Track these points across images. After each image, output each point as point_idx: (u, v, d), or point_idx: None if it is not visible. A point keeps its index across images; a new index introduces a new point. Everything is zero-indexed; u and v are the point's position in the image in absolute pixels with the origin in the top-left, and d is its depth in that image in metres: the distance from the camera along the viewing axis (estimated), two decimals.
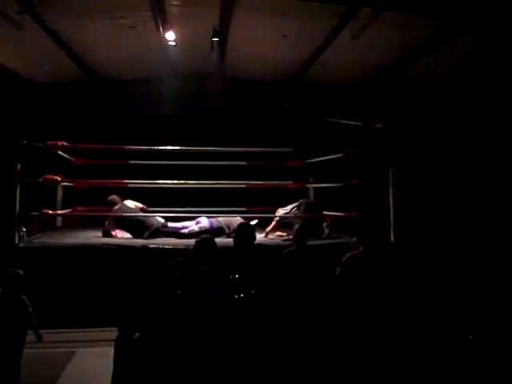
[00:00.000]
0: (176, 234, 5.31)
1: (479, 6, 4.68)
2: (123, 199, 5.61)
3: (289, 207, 5.83)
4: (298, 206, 5.74)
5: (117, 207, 5.48)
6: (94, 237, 5.31)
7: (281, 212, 5.82)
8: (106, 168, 6.00)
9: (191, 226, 5.40)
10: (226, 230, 5.37)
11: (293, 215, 5.69)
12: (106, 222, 5.50)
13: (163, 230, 5.35)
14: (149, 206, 5.81)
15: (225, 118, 7.58)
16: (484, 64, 6.09)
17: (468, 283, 3.68)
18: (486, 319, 2.90)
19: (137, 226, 5.30)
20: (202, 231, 5.17)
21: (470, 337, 2.76)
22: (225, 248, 3.92)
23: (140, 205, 5.64)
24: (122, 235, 5.42)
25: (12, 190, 4.59)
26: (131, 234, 5.34)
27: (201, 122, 7.64)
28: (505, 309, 3.06)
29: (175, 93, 7.30)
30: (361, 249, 3.52)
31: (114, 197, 5.64)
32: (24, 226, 4.63)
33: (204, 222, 5.46)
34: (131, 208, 5.50)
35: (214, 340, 2.57)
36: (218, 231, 5.31)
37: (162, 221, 5.48)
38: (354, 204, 5.92)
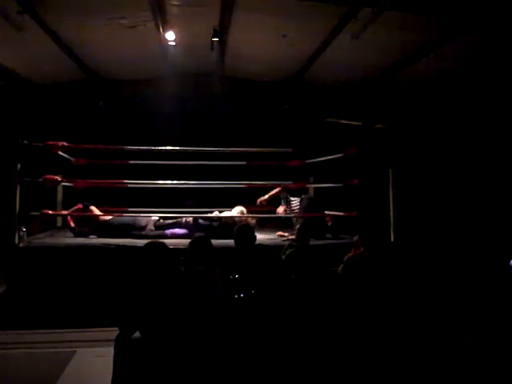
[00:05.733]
0: (161, 235, 5.26)
1: (479, 5, 4.68)
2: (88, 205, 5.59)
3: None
4: (300, 201, 5.80)
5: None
6: (94, 237, 5.31)
7: (281, 209, 5.90)
8: (106, 168, 6.00)
9: (177, 228, 5.38)
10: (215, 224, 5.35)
11: (296, 208, 5.77)
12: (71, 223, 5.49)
13: (151, 233, 5.31)
14: (148, 206, 5.80)
15: (225, 118, 7.58)
16: (484, 64, 6.09)
17: (468, 282, 3.68)
18: (486, 319, 2.91)
19: (125, 228, 5.28)
20: (186, 234, 5.15)
21: (470, 336, 2.76)
22: (225, 248, 3.93)
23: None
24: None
25: (12, 190, 4.60)
26: (120, 236, 5.29)
27: (201, 121, 7.64)
28: (505, 308, 3.06)
29: (175, 93, 7.30)
30: (362, 249, 3.51)
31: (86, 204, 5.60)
32: (24, 226, 4.63)
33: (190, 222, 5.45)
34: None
35: (214, 340, 2.57)
36: (206, 229, 5.26)
37: (155, 220, 5.47)
38: (354, 204, 5.92)
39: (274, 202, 6.20)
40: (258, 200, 5.98)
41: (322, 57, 6.38)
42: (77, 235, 5.36)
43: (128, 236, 5.19)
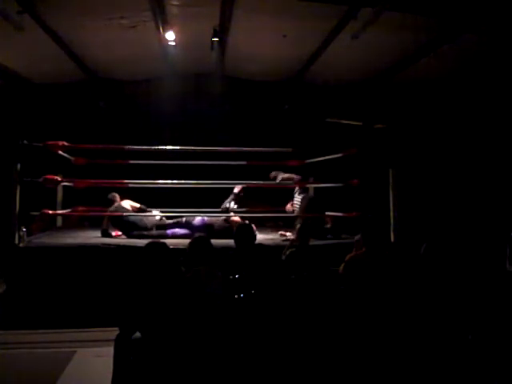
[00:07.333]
0: (162, 235, 5.28)
1: (479, 5, 4.68)
2: (122, 198, 5.60)
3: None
4: (301, 200, 5.82)
5: (112, 208, 5.47)
6: (94, 237, 5.32)
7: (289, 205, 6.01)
8: (106, 168, 6.00)
9: (177, 228, 5.38)
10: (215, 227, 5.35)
11: (297, 205, 5.83)
12: (104, 222, 5.51)
13: (152, 233, 5.30)
14: (148, 206, 5.81)
15: (225, 118, 7.58)
16: (484, 64, 6.09)
17: (468, 283, 3.68)
18: (486, 319, 2.90)
19: (130, 227, 5.29)
20: (186, 234, 5.15)
21: (470, 336, 2.76)
22: (226, 248, 3.93)
23: (137, 205, 5.59)
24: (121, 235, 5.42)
25: (12, 189, 4.60)
26: (124, 234, 5.33)
27: (201, 121, 7.64)
28: (504, 309, 3.06)
29: (175, 93, 7.30)
30: (364, 249, 3.51)
31: (113, 195, 5.62)
32: (24, 226, 4.64)
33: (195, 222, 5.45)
34: (126, 208, 5.47)
35: (214, 340, 2.57)
36: (206, 229, 5.27)
37: (157, 219, 5.47)
38: (354, 204, 5.92)
39: (274, 202, 6.21)
40: (271, 175, 6.00)
41: (322, 57, 6.38)
42: (103, 235, 5.36)
43: (130, 236, 5.21)
